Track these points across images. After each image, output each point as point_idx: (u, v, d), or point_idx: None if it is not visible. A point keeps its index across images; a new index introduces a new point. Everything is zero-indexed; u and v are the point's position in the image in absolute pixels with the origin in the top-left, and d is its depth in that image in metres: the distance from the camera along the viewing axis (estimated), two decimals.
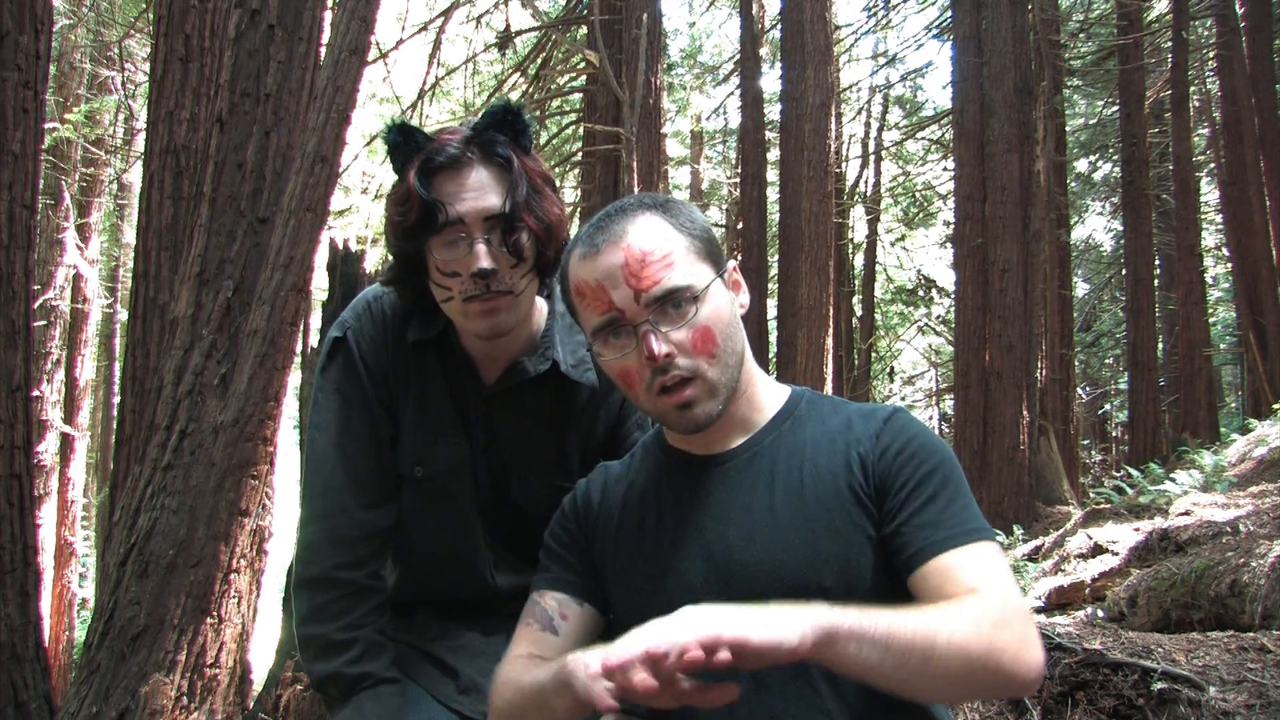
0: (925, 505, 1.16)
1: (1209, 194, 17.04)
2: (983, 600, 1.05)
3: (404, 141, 1.42)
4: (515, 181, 1.41)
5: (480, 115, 1.44)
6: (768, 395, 1.32)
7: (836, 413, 1.29)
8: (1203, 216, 15.59)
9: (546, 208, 1.44)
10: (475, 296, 1.41)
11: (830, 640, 0.96)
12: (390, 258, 1.49)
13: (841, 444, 1.24)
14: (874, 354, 19.08)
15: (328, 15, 3.88)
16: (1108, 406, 19.74)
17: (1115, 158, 15.77)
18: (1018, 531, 8.04)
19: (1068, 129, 15.83)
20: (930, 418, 20.39)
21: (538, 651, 1.27)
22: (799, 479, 1.22)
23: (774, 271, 15.03)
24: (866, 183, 18.62)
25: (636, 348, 1.18)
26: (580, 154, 11.70)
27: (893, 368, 21.56)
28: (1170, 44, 12.51)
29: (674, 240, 1.21)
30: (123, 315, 13.06)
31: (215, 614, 3.08)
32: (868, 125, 18.76)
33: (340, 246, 3.42)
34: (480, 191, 1.39)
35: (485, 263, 1.38)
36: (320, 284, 4.51)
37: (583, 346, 1.58)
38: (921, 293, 18.51)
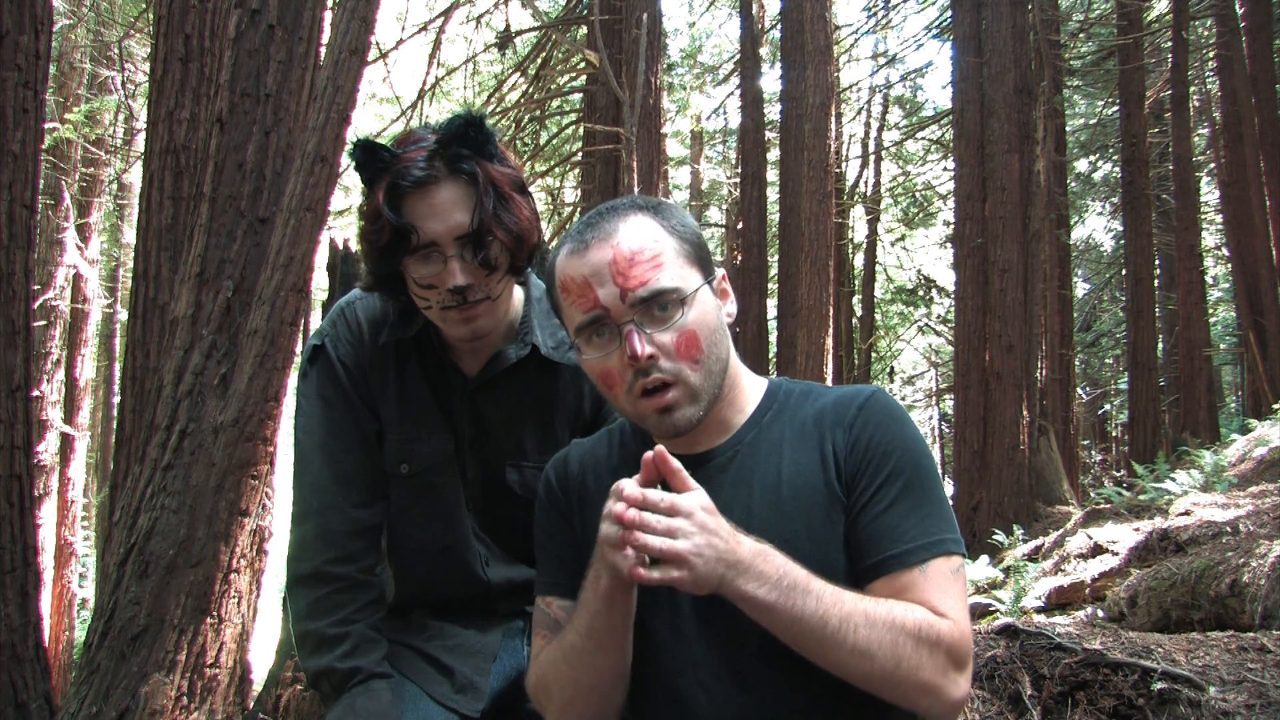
0: (888, 509, 1.16)
1: (1209, 194, 17.03)
2: (924, 618, 1.09)
3: (369, 160, 1.43)
4: (482, 196, 1.42)
5: (443, 127, 1.44)
6: (748, 393, 1.31)
7: (813, 401, 1.28)
8: (1203, 216, 15.59)
9: (516, 215, 1.46)
10: (452, 306, 1.45)
11: (728, 589, 1.05)
12: (366, 267, 1.52)
13: (816, 436, 1.23)
14: (874, 354, 19.09)
15: (328, 15, 3.88)
16: (1108, 406, 19.73)
17: (1115, 158, 15.77)
18: (1018, 531, 8.03)
19: (1068, 129, 15.82)
20: (930, 418, 20.40)
21: None
22: (777, 478, 1.22)
23: (774, 271, 15.02)
24: (866, 183, 18.63)
25: (619, 348, 1.17)
26: (580, 154, 11.69)
27: (893, 368, 21.56)
28: (1170, 44, 12.51)
29: (664, 242, 1.21)
30: (123, 315, 13.06)
31: (215, 614, 3.08)
32: (868, 125, 18.76)
33: (340, 246, 3.42)
34: (449, 210, 1.42)
35: (460, 279, 1.42)
36: (320, 284, 4.51)
37: (561, 329, 1.61)
38: (921, 293, 18.51)
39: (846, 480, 1.19)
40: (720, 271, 1.28)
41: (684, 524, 1.03)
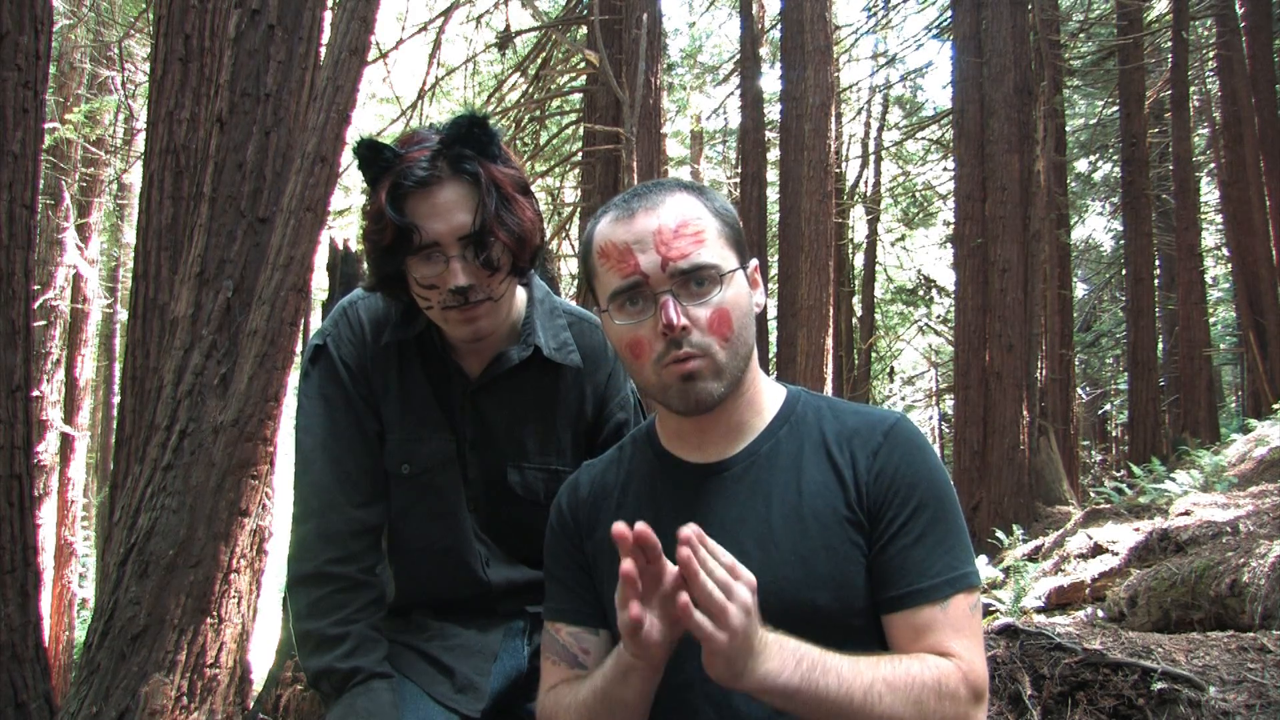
0: (914, 543, 1.16)
1: (1209, 194, 17.03)
2: (940, 670, 1.10)
3: (373, 158, 1.43)
4: (485, 197, 1.42)
5: (446, 127, 1.44)
6: (766, 397, 1.31)
7: (834, 418, 1.27)
8: (1203, 216, 15.59)
9: (518, 216, 1.46)
10: (454, 307, 1.45)
11: (770, 696, 1.03)
12: (369, 267, 1.52)
13: (838, 456, 1.22)
14: (874, 354, 19.08)
15: (328, 15, 3.88)
16: (1108, 406, 19.73)
17: (1115, 158, 15.77)
18: (1018, 531, 8.03)
19: (1068, 129, 15.82)
20: (930, 418, 20.41)
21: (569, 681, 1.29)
22: (796, 492, 1.21)
23: (774, 271, 15.02)
24: (866, 183, 18.63)
25: (653, 316, 1.17)
26: (580, 154, 11.69)
27: (893, 368, 21.56)
28: (1170, 44, 12.51)
29: (707, 220, 1.21)
30: (123, 315, 13.07)
31: (215, 614, 3.08)
32: (868, 125, 18.77)
33: (340, 246, 3.42)
34: (451, 210, 1.41)
35: (461, 280, 1.42)
36: (320, 284, 4.51)
37: (564, 330, 1.63)
38: (921, 293, 18.50)
39: (869, 508, 1.19)
40: (754, 262, 1.28)
41: (742, 590, 0.98)
